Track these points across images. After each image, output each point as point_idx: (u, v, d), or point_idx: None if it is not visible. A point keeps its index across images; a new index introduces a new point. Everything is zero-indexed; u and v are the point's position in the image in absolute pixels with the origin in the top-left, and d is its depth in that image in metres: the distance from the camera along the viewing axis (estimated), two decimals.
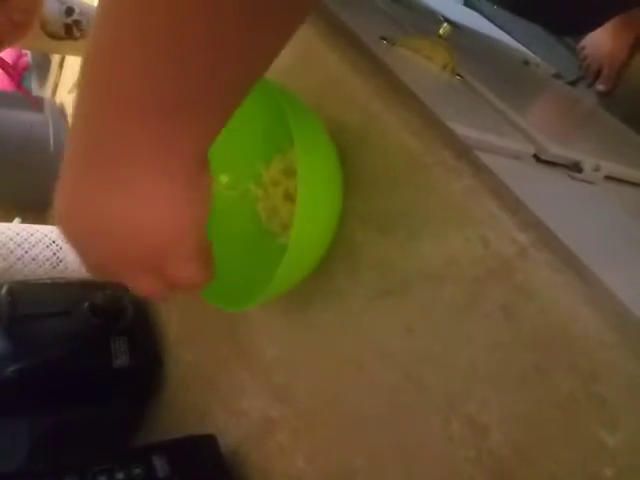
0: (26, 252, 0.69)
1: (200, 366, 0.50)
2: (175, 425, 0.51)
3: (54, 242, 0.72)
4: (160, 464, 0.40)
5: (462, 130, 0.31)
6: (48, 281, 0.64)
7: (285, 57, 0.40)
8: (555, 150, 0.43)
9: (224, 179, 0.40)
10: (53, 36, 0.59)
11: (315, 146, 0.32)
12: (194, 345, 0.51)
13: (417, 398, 0.30)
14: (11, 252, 0.68)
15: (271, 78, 0.32)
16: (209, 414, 0.47)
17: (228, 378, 0.46)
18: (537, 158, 0.44)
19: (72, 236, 0.27)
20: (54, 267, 0.71)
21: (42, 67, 0.88)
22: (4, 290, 0.53)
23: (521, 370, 0.26)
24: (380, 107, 0.32)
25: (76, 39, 0.62)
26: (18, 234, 0.70)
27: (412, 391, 0.31)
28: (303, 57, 0.39)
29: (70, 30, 0.60)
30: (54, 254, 0.71)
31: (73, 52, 0.70)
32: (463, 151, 0.29)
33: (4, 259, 0.67)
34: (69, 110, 0.81)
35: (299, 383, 0.39)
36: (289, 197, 0.38)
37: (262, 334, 0.43)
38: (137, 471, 0.39)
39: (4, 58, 0.88)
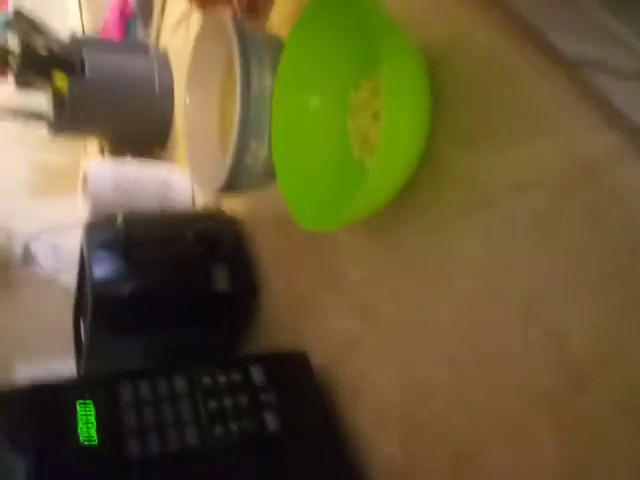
0: (138, 189, 0.75)
1: (292, 290, 0.52)
2: (269, 343, 0.55)
3: (162, 180, 0.77)
4: (257, 373, 0.44)
5: (555, 37, 0.29)
6: (157, 212, 0.69)
7: None
8: None
9: (315, 102, 0.41)
10: None
11: (402, 62, 0.32)
12: (286, 270, 0.54)
13: (497, 308, 0.31)
14: (124, 188, 0.74)
15: None
16: (301, 333, 0.50)
17: (317, 300, 0.48)
18: None
19: None
20: (162, 203, 0.77)
21: (146, 14, 0.93)
22: (120, 219, 0.58)
23: (606, 274, 0.25)
24: (467, 14, 0.31)
25: None
26: (131, 172, 0.76)
27: (493, 302, 0.31)
28: None
29: None
30: (161, 191, 0.77)
31: None
32: (554, 57, 0.28)
33: (118, 194, 0.73)
34: (172, 52, 0.85)
35: (383, 300, 0.40)
36: (377, 116, 0.38)
37: (349, 256, 0.44)
38: (236, 377, 0.43)
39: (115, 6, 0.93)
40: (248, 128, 0.40)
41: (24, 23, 0.77)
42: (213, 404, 0.41)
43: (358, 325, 0.43)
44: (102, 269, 0.55)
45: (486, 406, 0.32)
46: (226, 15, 0.43)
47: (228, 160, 0.41)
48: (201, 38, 0.47)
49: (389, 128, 0.31)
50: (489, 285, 0.31)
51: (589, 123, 0.27)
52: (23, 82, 0.78)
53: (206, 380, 0.42)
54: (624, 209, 0.24)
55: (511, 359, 0.30)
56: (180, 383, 0.42)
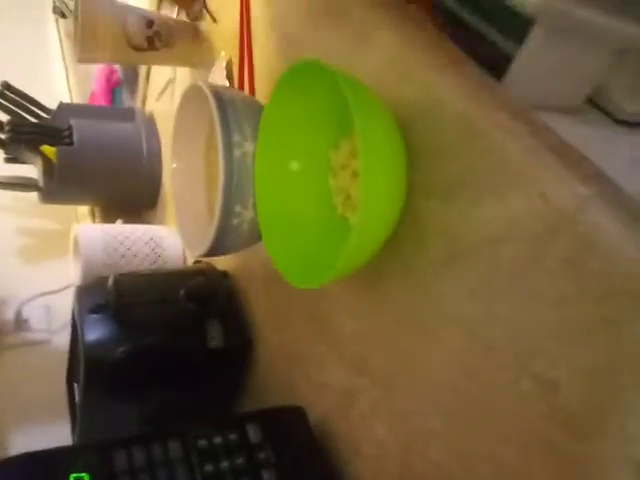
0: (128, 249, 0.76)
1: (286, 344, 0.53)
2: (265, 399, 0.55)
3: (152, 239, 0.78)
4: (253, 431, 0.44)
5: (519, 90, 0.31)
6: (148, 272, 0.70)
7: (345, 43, 0.42)
8: (631, 108, 0.41)
9: (295, 165, 0.42)
10: (137, 48, 0.65)
11: (376, 125, 0.34)
12: (280, 325, 0.54)
13: (486, 359, 0.31)
14: (115, 250, 0.74)
15: (333, 64, 0.34)
16: (296, 388, 0.50)
17: (312, 353, 0.48)
18: (613, 118, 0.42)
19: None
20: (154, 262, 0.77)
21: (131, 81, 0.96)
22: (110, 281, 0.58)
23: (588, 323, 0.26)
24: (435, 78, 0.33)
25: (158, 49, 0.68)
26: (121, 233, 0.77)
27: (481, 353, 0.31)
28: (361, 41, 0.40)
29: (152, 41, 0.65)
30: (152, 250, 0.77)
31: (156, 61, 0.76)
32: (520, 112, 0.30)
33: (109, 256, 0.73)
34: (158, 117, 0.88)
35: (376, 352, 0.40)
36: (357, 175, 0.39)
37: (340, 310, 0.45)
38: (232, 437, 0.43)
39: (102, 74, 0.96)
40: (232, 195, 0.41)
41: (12, 97, 0.79)
42: (209, 467, 0.41)
43: (353, 377, 0.43)
44: (94, 333, 0.55)
45: (481, 454, 0.32)
46: (205, 82, 0.45)
47: (213, 227, 0.42)
48: (184, 104, 0.49)
49: (368, 188, 0.32)
50: (476, 335, 0.32)
51: (557, 173, 0.28)
52: (12, 158, 0.80)
53: (201, 442, 0.42)
54: (599, 257, 0.25)
55: (505, 410, 0.30)
56: (175, 447, 0.41)
